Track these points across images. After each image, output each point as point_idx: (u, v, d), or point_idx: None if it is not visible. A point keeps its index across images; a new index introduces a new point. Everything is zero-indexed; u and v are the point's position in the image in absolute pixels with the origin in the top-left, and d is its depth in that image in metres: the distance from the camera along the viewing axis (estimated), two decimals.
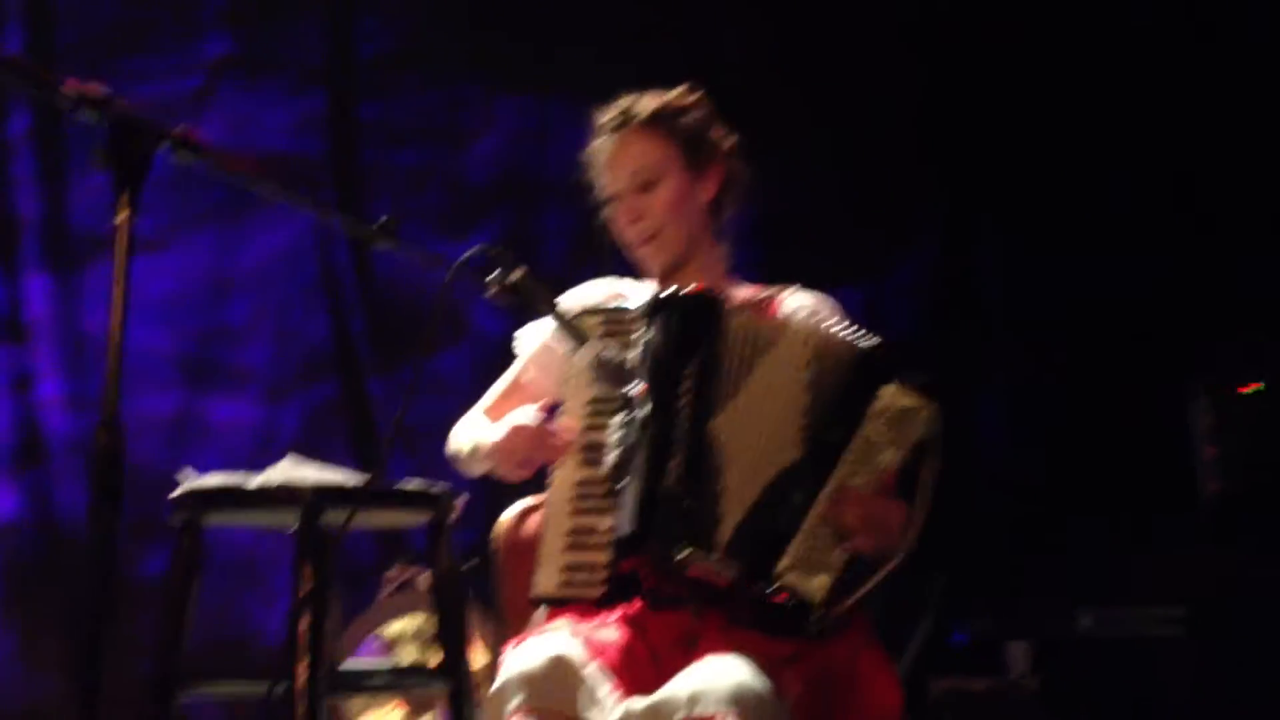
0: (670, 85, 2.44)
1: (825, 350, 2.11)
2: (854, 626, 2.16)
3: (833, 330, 2.14)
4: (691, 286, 2.18)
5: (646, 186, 2.37)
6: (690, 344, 2.08)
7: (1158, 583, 3.90)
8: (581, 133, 2.46)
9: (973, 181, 4.78)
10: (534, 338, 2.41)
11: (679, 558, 2.03)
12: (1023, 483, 4.58)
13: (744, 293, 2.42)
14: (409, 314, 4.66)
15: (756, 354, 2.11)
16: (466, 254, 2.10)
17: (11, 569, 4.39)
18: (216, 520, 2.19)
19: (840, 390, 2.09)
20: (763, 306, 2.27)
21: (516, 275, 2.09)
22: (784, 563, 2.03)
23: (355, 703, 3.15)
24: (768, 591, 2.03)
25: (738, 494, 2.05)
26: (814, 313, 2.36)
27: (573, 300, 2.42)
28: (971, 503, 4.59)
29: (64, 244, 4.59)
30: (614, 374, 2.09)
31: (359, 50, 4.80)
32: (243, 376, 4.56)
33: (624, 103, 2.43)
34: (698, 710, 1.89)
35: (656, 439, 2.05)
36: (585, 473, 2.14)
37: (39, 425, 4.54)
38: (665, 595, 2.10)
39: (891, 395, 2.08)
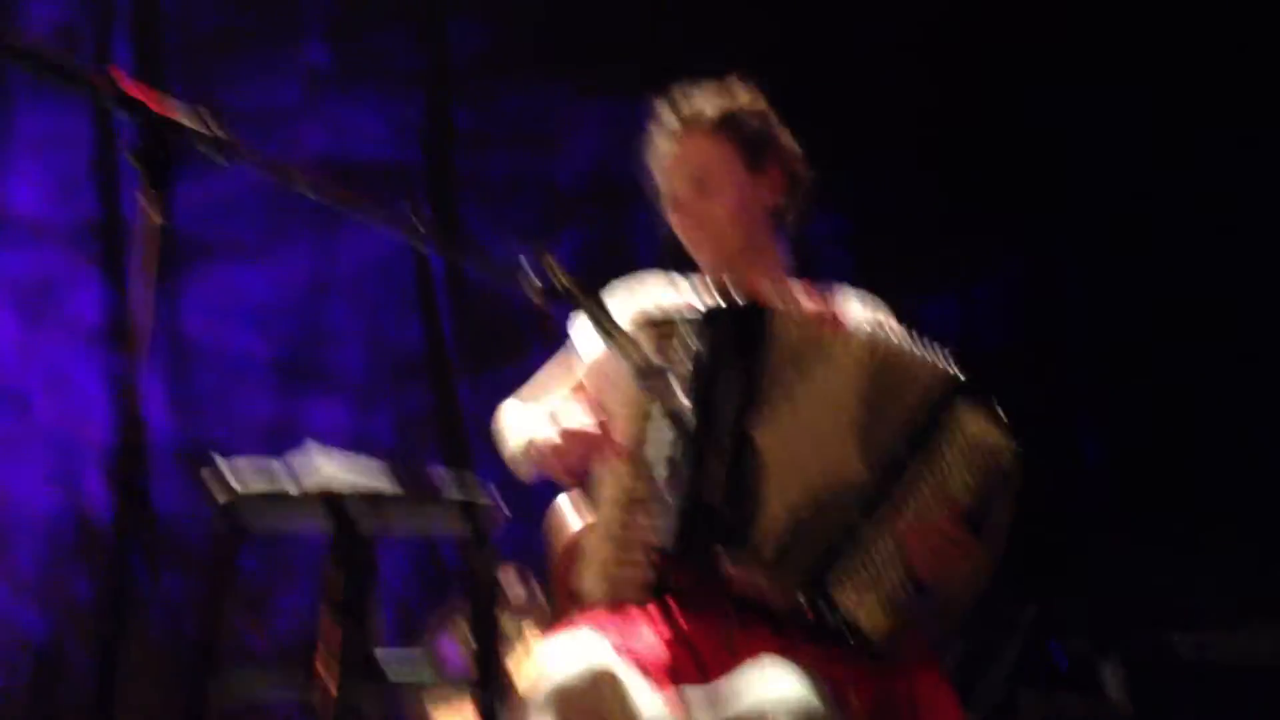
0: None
1: (886, 365, 2.06)
2: (910, 647, 2.11)
3: (896, 345, 2.09)
4: (739, 298, 2.16)
5: (705, 189, 2.37)
6: (734, 355, 2.06)
7: (1258, 608, 3.79)
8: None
9: (1057, 190, 4.68)
10: (594, 339, 2.39)
11: (720, 568, 2.00)
12: (1120, 501, 4.46)
13: (800, 294, 2.38)
14: (499, 320, 4.69)
15: (807, 364, 2.07)
16: (508, 259, 2.09)
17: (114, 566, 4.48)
18: (256, 524, 2.20)
19: (914, 411, 2.04)
20: (821, 317, 2.22)
21: (562, 281, 2.07)
22: (843, 589, 1.98)
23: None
24: (824, 614, 1.99)
25: (784, 507, 2.02)
26: (875, 324, 2.31)
27: (624, 293, 2.41)
28: (1068, 519, 4.49)
29: (167, 249, 4.66)
30: (656, 382, 2.07)
31: (453, 55, 4.83)
32: (337, 381, 4.61)
33: (685, 104, 2.42)
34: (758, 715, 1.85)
35: (698, 450, 2.02)
36: (632, 482, 2.12)
37: (145, 428, 4.63)
38: (705, 603, 2.07)
39: (972, 425, 2.01)
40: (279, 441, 4.54)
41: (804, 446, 2.05)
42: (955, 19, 4.75)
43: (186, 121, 1.77)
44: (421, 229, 2.08)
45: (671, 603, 2.08)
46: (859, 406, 2.05)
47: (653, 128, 2.43)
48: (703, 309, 2.15)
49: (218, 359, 4.68)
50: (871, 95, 4.78)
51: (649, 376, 2.05)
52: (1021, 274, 4.80)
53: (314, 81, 4.79)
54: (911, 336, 2.14)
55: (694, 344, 2.09)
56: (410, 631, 4.04)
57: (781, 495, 2.03)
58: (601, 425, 2.18)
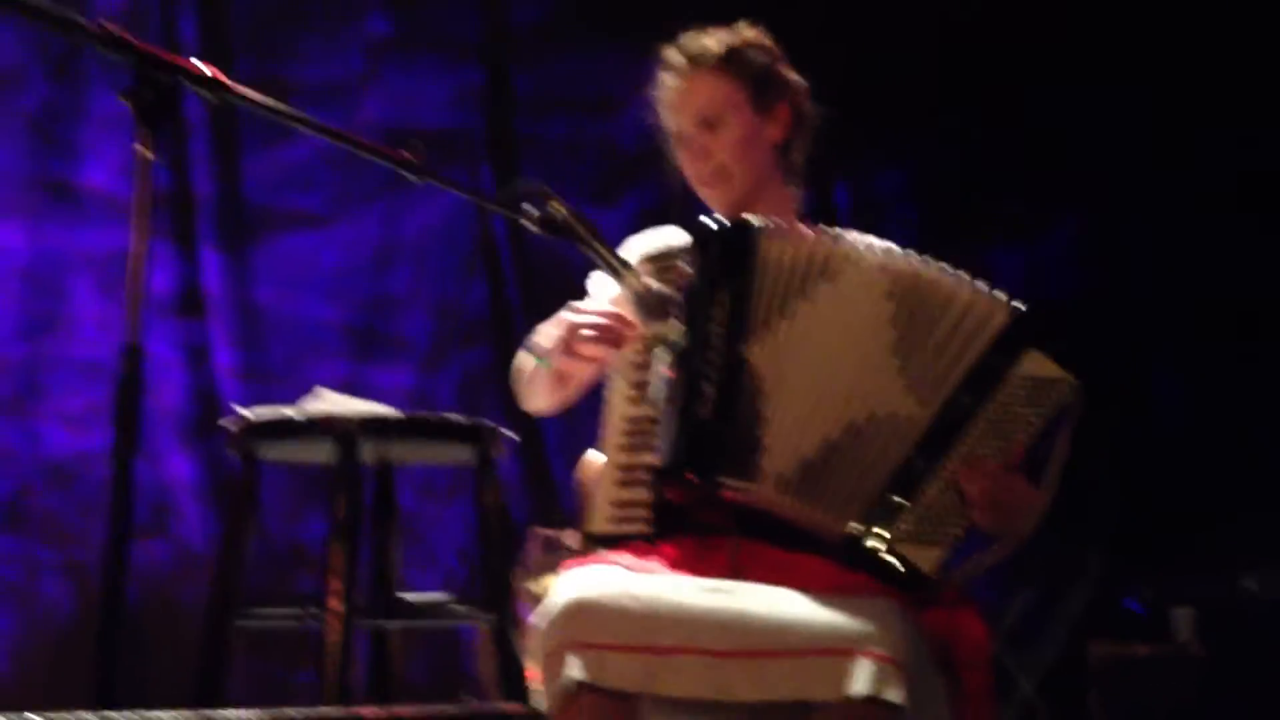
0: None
1: (911, 287, 2.02)
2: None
3: (916, 267, 2.05)
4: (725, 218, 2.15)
5: (712, 127, 2.36)
6: (722, 275, 2.05)
7: None
8: None
9: (1123, 147, 4.61)
10: (607, 283, 2.41)
11: (716, 482, 1.99)
12: (1191, 447, 4.39)
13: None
14: (562, 282, 4.71)
15: (809, 283, 2.05)
16: (507, 190, 2.11)
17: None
18: (270, 454, 2.25)
19: (965, 344, 2.00)
20: (820, 237, 2.15)
21: (557, 211, 2.09)
22: (901, 527, 1.95)
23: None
24: (881, 555, 1.96)
25: (798, 427, 2.00)
26: (886, 250, 2.30)
27: (639, 240, 2.42)
28: (1142, 468, 4.43)
29: (237, 220, 4.78)
30: (655, 308, 2.08)
31: (512, 21, 4.87)
32: (403, 345, 4.68)
33: (690, 42, 2.42)
34: (837, 644, 1.84)
35: (689, 369, 2.02)
36: (633, 409, 2.13)
37: (216, 395, 4.74)
38: (712, 526, 2.08)
39: (1034, 363, 1.97)
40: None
41: (815, 367, 2.02)
42: None
43: (174, 61, 1.81)
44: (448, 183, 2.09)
45: (684, 540, 2.08)
46: (887, 330, 2.02)
47: (660, 68, 2.43)
48: (692, 230, 2.15)
49: (287, 326, 4.78)
50: (935, 53, 4.75)
51: (647, 303, 2.06)
52: (1086, 230, 4.74)
53: (375, 52, 4.86)
54: (929, 261, 2.09)
55: (687, 269, 2.10)
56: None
57: (791, 415, 2.01)
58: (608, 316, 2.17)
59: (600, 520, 2.12)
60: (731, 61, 2.37)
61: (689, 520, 2.09)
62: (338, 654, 2.01)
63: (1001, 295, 2.02)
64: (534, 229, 2.08)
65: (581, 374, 2.25)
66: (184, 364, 4.74)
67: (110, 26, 1.78)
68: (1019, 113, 4.67)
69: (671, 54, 2.43)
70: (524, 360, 2.39)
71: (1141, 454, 4.47)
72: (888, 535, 1.94)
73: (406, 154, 2.03)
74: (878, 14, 4.74)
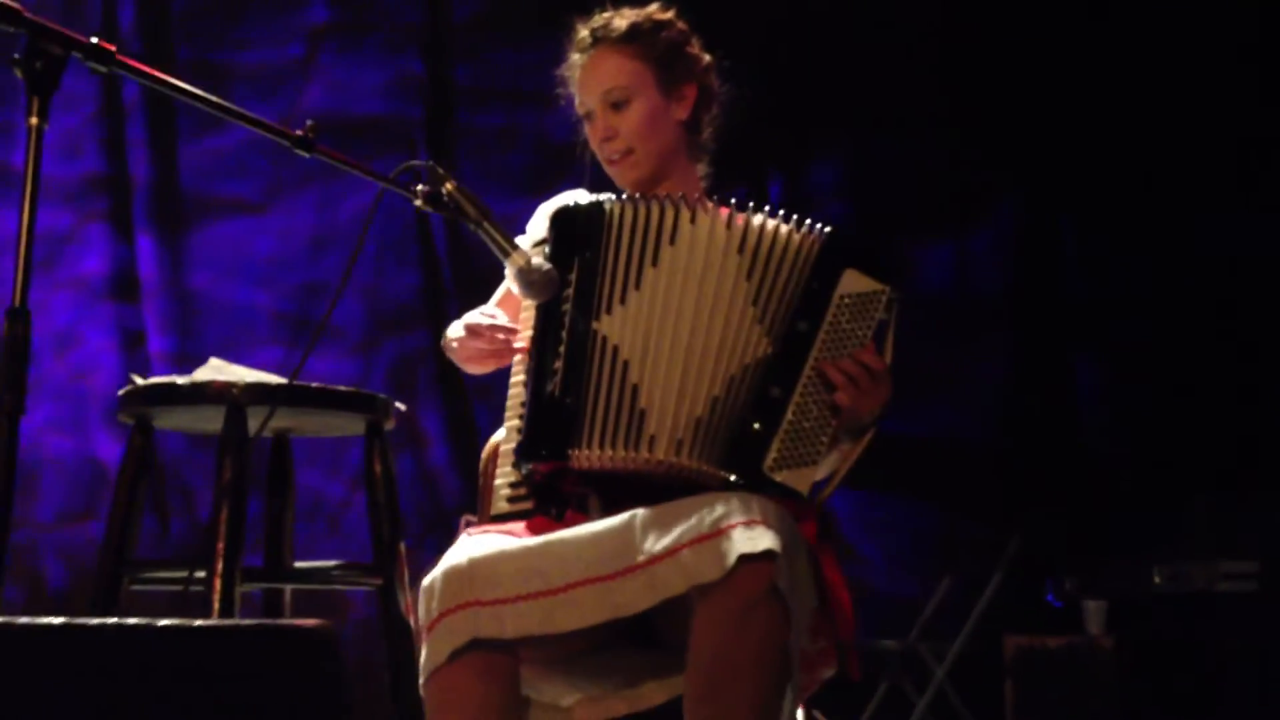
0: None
1: (754, 237, 2.07)
2: (831, 539, 2.16)
3: (755, 217, 2.10)
4: (564, 197, 2.19)
5: (618, 105, 2.37)
6: (572, 248, 2.09)
7: (1232, 539, 3.77)
8: None
9: (1056, 139, 4.68)
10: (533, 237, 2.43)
11: (564, 459, 2.02)
12: (1106, 442, 4.46)
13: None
14: (498, 264, 4.75)
15: (655, 250, 2.08)
16: (398, 168, 2.14)
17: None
18: (162, 421, 2.28)
19: (800, 277, 2.07)
20: (687, 200, 2.15)
21: (446, 187, 2.12)
22: (770, 459, 2.02)
23: None
24: (760, 487, 2.01)
25: (678, 390, 2.03)
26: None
27: (547, 210, 2.45)
28: (1059, 462, 4.50)
29: (172, 206, 4.80)
30: (541, 286, 2.11)
31: (453, 12, 4.90)
32: (336, 331, 4.70)
33: (598, 20, 2.43)
34: (715, 527, 1.88)
35: (540, 348, 2.06)
36: (521, 389, 2.17)
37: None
38: (580, 498, 2.12)
39: (853, 280, 2.06)
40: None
41: (680, 330, 2.06)
42: None
43: (62, 32, 1.84)
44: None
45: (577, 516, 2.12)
46: (744, 283, 2.07)
47: (567, 44, 2.45)
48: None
49: (221, 312, 4.80)
50: (871, 46, 4.80)
51: (532, 281, 2.10)
52: (1017, 223, 4.80)
53: (315, 39, 4.88)
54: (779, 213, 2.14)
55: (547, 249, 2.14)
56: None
57: (665, 380, 2.04)
58: (499, 322, 2.23)
59: (500, 501, 2.16)
60: (637, 39, 2.38)
61: (562, 494, 2.13)
62: (216, 610, 2.04)
63: (819, 226, 2.08)
64: (421, 206, 2.11)
65: None
66: (118, 348, 4.75)
67: (4, 1, 1.81)
68: (955, 105, 4.73)
69: (579, 31, 2.45)
70: (449, 331, 2.42)
71: (1062, 448, 4.54)
72: (762, 467, 2.00)
73: (299, 132, 2.04)
74: (821, 9, 4.80)
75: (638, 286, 2.06)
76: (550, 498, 2.13)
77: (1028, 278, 4.75)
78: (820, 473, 2.09)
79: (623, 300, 2.05)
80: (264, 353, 4.75)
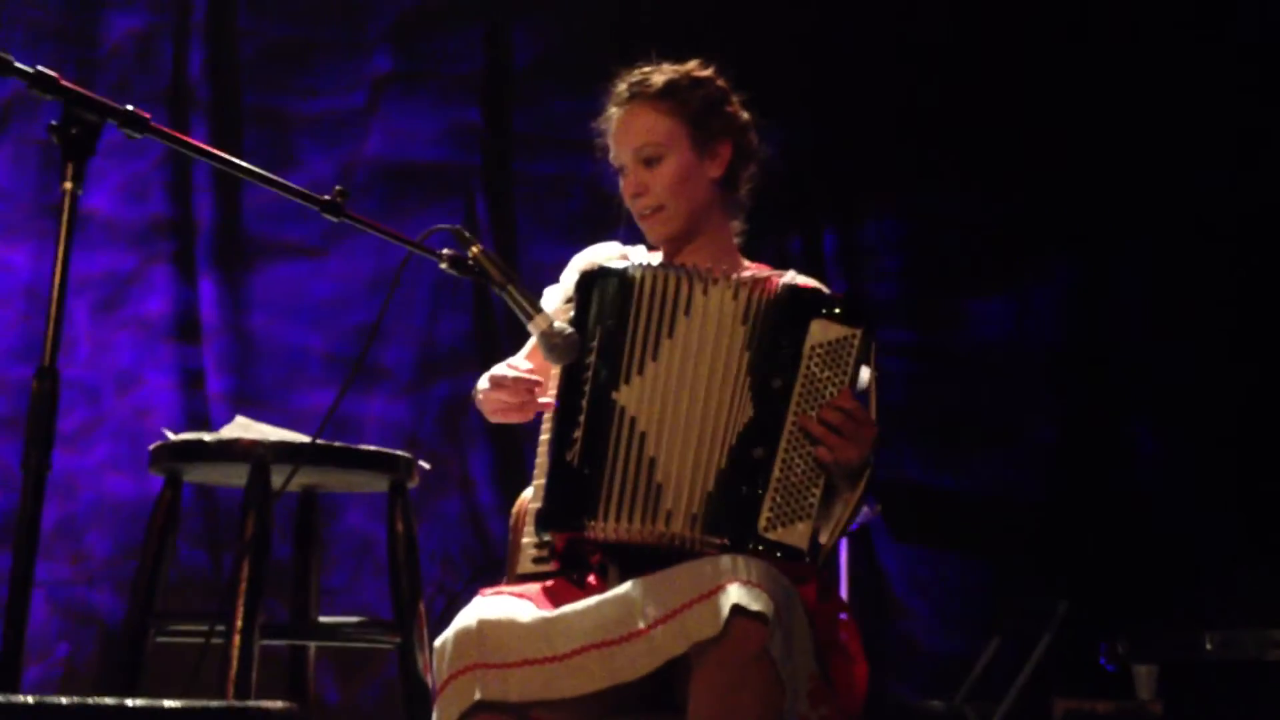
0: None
1: (761, 308, 2.07)
2: (833, 600, 2.15)
3: (765, 284, 2.10)
4: (596, 250, 2.19)
5: (650, 161, 2.35)
6: (597, 314, 2.09)
7: None
8: None
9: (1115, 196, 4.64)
10: (550, 304, 2.45)
11: (579, 530, 2.02)
12: (1161, 505, 4.40)
13: (748, 270, 2.39)
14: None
15: (672, 321, 2.08)
16: (425, 233, 2.16)
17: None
18: (192, 476, 2.32)
19: (774, 335, 2.06)
20: (697, 273, 2.13)
21: (472, 251, 2.14)
22: (764, 520, 2.01)
23: None
24: (760, 550, 2.01)
25: (690, 465, 2.03)
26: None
27: (579, 263, 2.45)
28: (1112, 523, 4.44)
29: (235, 248, 4.87)
30: (563, 350, 2.12)
31: (513, 61, 4.95)
32: (386, 374, 4.74)
33: (637, 74, 2.42)
34: (711, 586, 1.88)
35: (561, 414, 2.06)
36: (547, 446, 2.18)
37: (208, 420, 4.82)
38: (596, 566, 2.12)
39: (821, 329, 2.05)
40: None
41: (690, 402, 2.06)
42: (1016, 22, 4.75)
43: (98, 100, 1.88)
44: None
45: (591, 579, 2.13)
46: (745, 353, 2.07)
47: (607, 98, 2.45)
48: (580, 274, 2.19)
49: (277, 354, 4.86)
50: (926, 97, 4.80)
51: (555, 346, 2.10)
52: (1077, 278, 4.75)
53: (378, 87, 4.95)
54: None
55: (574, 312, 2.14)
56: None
57: (680, 452, 2.04)
58: (524, 375, 2.23)
59: (525, 561, 2.16)
60: (672, 96, 2.36)
61: (584, 560, 2.13)
62: (236, 671, 2.06)
63: (792, 280, 2.06)
64: (446, 269, 2.13)
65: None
66: (177, 387, 4.83)
67: (43, 70, 1.86)
68: (1012, 160, 4.71)
69: (617, 85, 2.45)
70: (480, 384, 2.43)
71: (1115, 509, 4.48)
72: (757, 529, 1.99)
73: (328, 197, 2.08)
74: (867, 53, 4.80)
75: (655, 357, 2.06)
76: (573, 563, 2.14)
77: (1084, 334, 4.69)
78: (825, 530, 2.07)
79: (640, 371, 2.05)
80: (316, 394, 4.81)
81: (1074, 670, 4.09)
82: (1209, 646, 3.80)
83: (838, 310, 2.05)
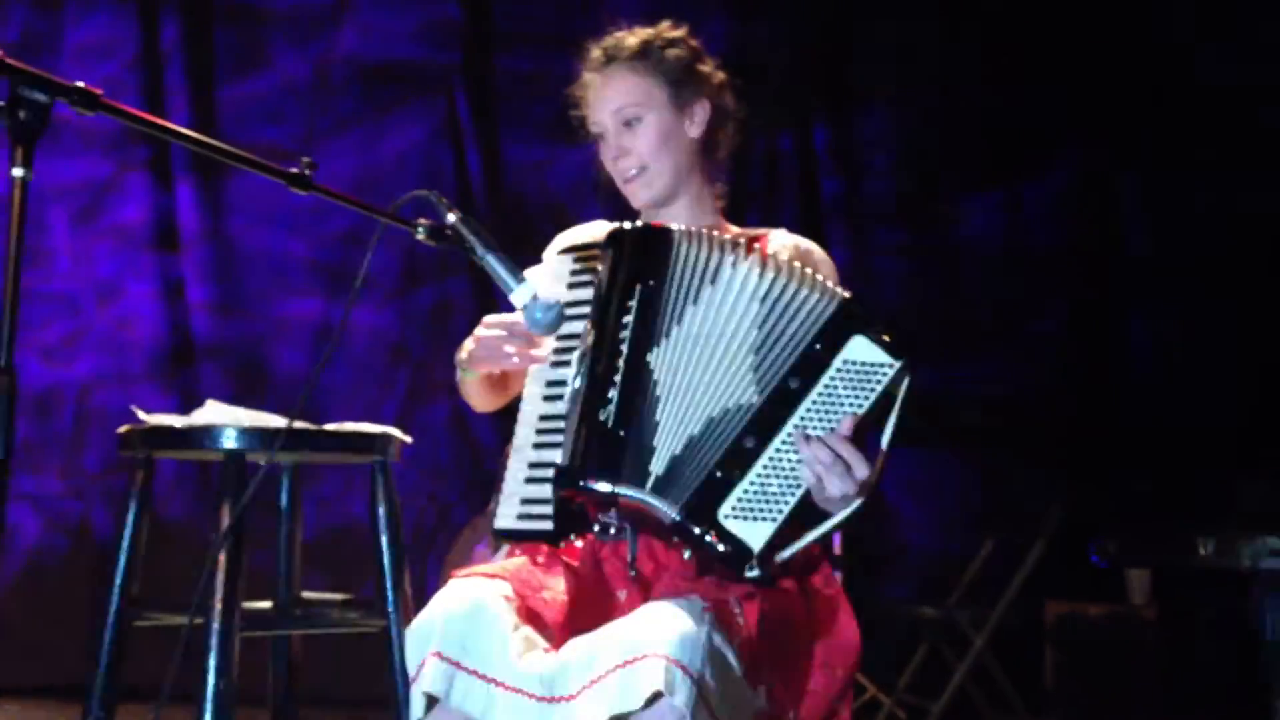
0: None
1: (778, 288, 2.02)
2: (811, 564, 2.11)
3: (788, 267, 2.04)
4: (642, 222, 2.12)
5: (630, 124, 2.30)
6: (633, 278, 2.03)
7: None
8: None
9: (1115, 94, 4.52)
10: (536, 278, 2.38)
11: (609, 490, 1.99)
12: (1158, 407, 4.35)
13: (731, 232, 2.34)
14: (534, 213, 4.70)
15: (697, 288, 2.04)
16: (401, 199, 2.08)
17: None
18: (164, 453, 2.26)
19: (805, 334, 2.01)
20: (723, 242, 2.14)
21: (450, 219, 2.06)
22: (725, 508, 1.97)
23: None
24: (707, 537, 1.97)
25: (674, 428, 2.00)
26: (797, 252, 2.27)
27: (568, 236, 2.39)
28: (1109, 425, 4.41)
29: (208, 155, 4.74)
30: (540, 322, 2.05)
31: None
32: (371, 281, 4.66)
33: (609, 39, 2.36)
34: (634, 654, 1.86)
35: (594, 374, 2.01)
36: (546, 408, 2.12)
37: (190, 331, 4.76)
38: (613, 528, 2.08)
39: (860, 348, 1.99)
40: (320, 341, 4.68)
41: (695, 371, 2.01)
42: None
43: (48, 78, 1.78)
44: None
45: (586, 537, 2.09)
46: (754, 331, 2.01)
47: (580, 63, 2.37)
48: (607, 234, 2.12)
49: (258, 261, 4.78)
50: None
51: (532, 315, 2.04)
52: (1074, 172, 4.65)
53: None
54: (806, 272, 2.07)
55: (600, 270, 2.07)
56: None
57: (674, 419, 2.01)
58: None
59: (508, 516, 2.12)
60: (647, 56, 2.30)
61: (588, 521, 2.09)
62: (216, 656, 2.02)
63: (841, 290, 2.01)
64: (424, 239, 2.05)
65: (515, 375, 2.24)
66: (159, 297, 4.76)
67: None
68: (1012, 56, 4.58)
69: (590, 50, 2.38)
70: (459, 372, 2.37)
71: (1112, 414, 4.45)
72: (717, 512, 1.95)
73: (295, 170, 1.99)
74: None
75: (679, 321, 2.01)
76: (568, 525, 2.09)
77: (1081, 230, 4.61)
78: (783, 545, 2.00)
79: (668, 334, 2.01)
80: (299, 302, 4.74)
81: (1066, 575, 4.09)
82: (1203, 552, 3.79)
83: (885, 336, 1.96)
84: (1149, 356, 4.51)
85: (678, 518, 1.97)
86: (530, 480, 2.11)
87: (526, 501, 2.11)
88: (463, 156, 4.79)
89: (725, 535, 1.93)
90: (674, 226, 2.11)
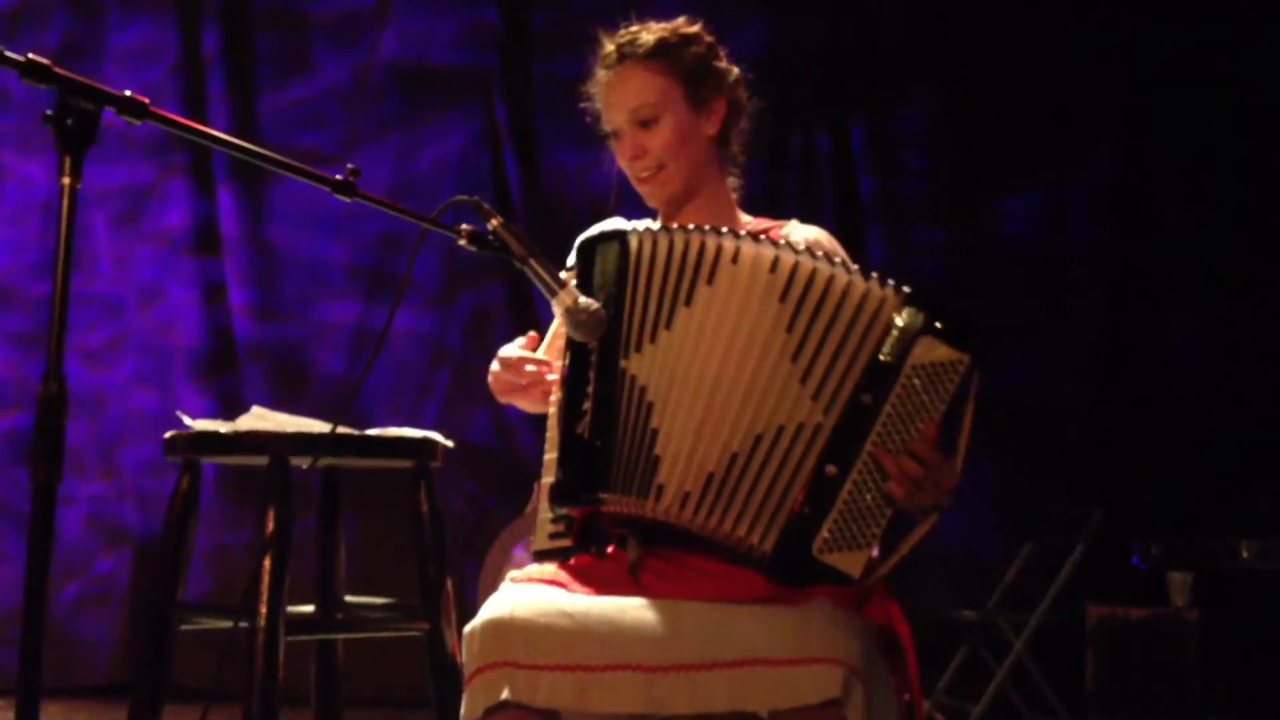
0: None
1: (801, 285, 1.95)
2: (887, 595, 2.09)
3: (807, 261, 1.99)
4: (601, 226, 2.11)
5: (646, 123, 2.24)
6: (599, 283, 1.99)
7: None
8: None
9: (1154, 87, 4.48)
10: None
11: (601, 500, 1.96)
12: (1200, 410, 4.32)
13: (750, 227, 2.31)
14: (575, 217, 4.70)
15: (689, 288, 1.99)
16: (442, 205, 2.07)
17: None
18: (210, 459, 2.28)
19: (864, 341, 1.95)
20: (708, 234, 1.99)
21: (492, 224, 2.06)
22: (818, 543, 1.91)
23: None
24: (804, 578, 1.93)
25: (689, 439, 1.96)
26: (812, 242, 2.24)
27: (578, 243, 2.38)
28: (1150, 427, 4.38)
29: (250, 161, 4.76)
30: (588, 325, 2.04)
31: None
32: (414, 285, 4.68)
33: (623, 35, 2.31)
34: (806, 654, 1.84)
35: (570, 386, 1.98)
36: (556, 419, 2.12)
37: (232, 335, 4.79)
38: (617, 539, 2.07)
39: (928, 348, 1.87)
40: (360, 344, 4.70)
41: (705, 375, 1.97)
42: None
43: (95, 86, 1.80)
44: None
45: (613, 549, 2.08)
46: (782, 335, 1.93)
47: (594, 60, 2.35)
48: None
49: (299, 265, 4.80)
50: None
51: (578, 320, 2.03)
52: (1114, 172, 4.61)
53: None
54: (835, 260, 2.01)
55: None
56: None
57: (683, 425, 1.96)
58: (536, 357, 2.17)
59: (540, 539, 2.11)
60: (663, 54, 2.23)
61: (600, 534, 2.08)
62: (260, 660, 2.04)
63: (889, 284, 1.95)
64: (464, 244, 2.04)
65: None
66: (200, 301, 4.79)
67: (35, 58, 1.77)
68: (1053, 52, 4.55)
69: (605, 46, 2.34)
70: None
71: (1153, 415, 4.41)
72: (811, 548, 1.90)
73: (340, 177, 2.00)
74: None
75: (669, 326, 1.95)
76: (590, 538, 2.09)
77: (1122, 231, 4.57)
78: (884, 560, 1.97)
79: (653, 339, 1.95)
80: (339, 306, 4.77)
81: (1107, 578, 4.06)
82: (1245, 555, 3.77)
83: (953, 328, 1.85)
84: (1191, 358, 4.47)
85: (777, 549, 1.92)
86: (550, 506, 2.10)
87: (552, 522, 2.09)
88: (500, 161, 4.81)
89: (822, 573, 1.88)
90: (630, 230, 2.05)
